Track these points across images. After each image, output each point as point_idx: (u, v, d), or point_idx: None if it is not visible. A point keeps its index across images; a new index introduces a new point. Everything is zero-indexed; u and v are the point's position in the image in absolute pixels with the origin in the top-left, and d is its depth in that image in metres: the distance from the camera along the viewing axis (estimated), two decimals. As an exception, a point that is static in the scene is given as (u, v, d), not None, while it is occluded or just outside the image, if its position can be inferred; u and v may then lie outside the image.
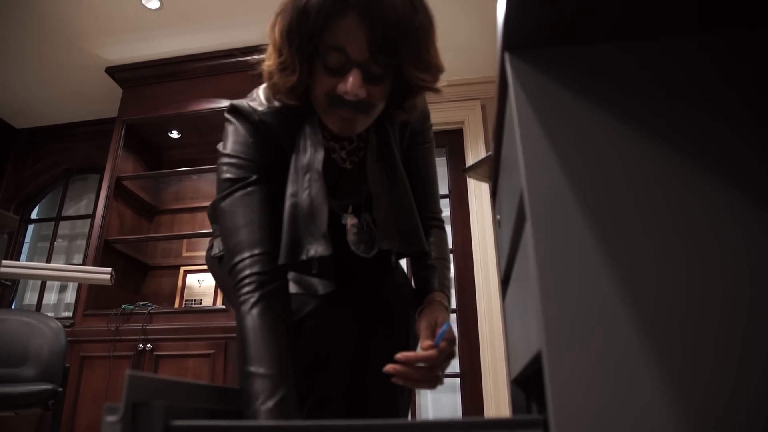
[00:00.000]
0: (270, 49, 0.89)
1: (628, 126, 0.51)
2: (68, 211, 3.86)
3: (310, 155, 0.93)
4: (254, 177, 0.92)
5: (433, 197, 1.14)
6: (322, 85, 0.87)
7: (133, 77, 3.31)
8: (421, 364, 0.86)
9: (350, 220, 1.01)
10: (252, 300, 0.85)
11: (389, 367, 0.84)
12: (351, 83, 0.82)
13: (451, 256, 3.04)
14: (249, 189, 0.91)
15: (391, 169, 1.00)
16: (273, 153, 0.95)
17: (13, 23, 2.95)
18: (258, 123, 0.93)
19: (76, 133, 3.86)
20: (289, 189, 0.92)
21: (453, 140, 3.21)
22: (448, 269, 1.10)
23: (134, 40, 3.12)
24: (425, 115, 1.12)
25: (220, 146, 0.96)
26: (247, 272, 0.86)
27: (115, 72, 3.32)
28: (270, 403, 0.76)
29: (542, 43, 0.57)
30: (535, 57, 0.56)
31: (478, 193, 3.02)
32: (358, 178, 1.02)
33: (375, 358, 1.01)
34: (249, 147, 0.93)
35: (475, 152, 3.08)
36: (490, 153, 0.78)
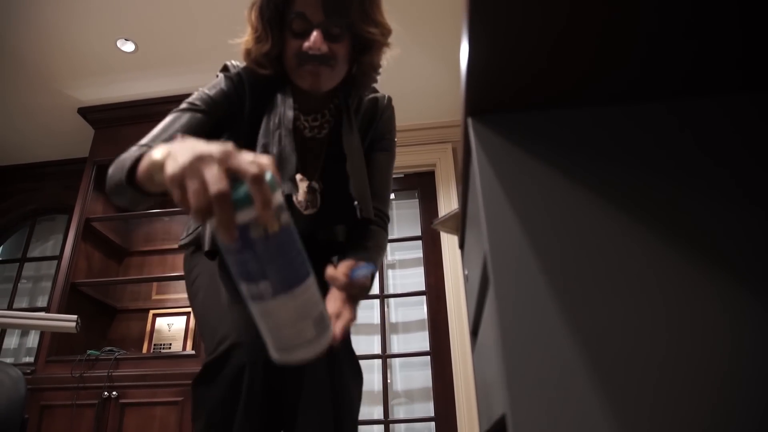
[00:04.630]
0: (248, 31, 1.08)
1: (588, 190, 0.52)
2: (34, 252, 3.77)
3: (281, 115, 1.07)
4: (206, 110, 1.05)
5: (383, 198, 1.23)
6: (291, 48, 1.04)
7: (105, 118, 3.29)
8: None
9: (299, 177, 1.12)
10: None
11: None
12: (313, 39, 1.01)
13: (425, 297, 3.04)
14: (194, 114, 1.05)
15: (354, 146, 1.14)
16: (233, 108, 1.09)
17: (-16, 64, 2.94)
18: (234, 75, 1.10)
19: (45, 172, 3.80)
20: (260, 140, 1.06)
21: (425, 182, 3.25)
22: (381, 257, 1.18)
23: (108, 81, 3.11)
24: (390, 127, 1.25)
25: None
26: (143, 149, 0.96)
27: (88, 113, 3.30)
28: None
29: (504, 109, 0.59)
30: (497, 122, 0.58)
31: (450, 234, 3.04)
32: (316, 148, 1.16)
33: None
34: (218, 94, 1.08)
35: (447, 194, 3.12)
36: (456, 209, 0.80)
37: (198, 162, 0.56)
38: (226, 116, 1.08)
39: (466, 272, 0.81)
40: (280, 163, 1.03)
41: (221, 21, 2.64)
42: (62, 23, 2.71)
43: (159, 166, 0.67)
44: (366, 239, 1.15)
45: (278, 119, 1.07)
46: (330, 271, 0.90)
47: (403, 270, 3.23)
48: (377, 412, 2.87)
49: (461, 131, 0.64)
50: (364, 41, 1.08)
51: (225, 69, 1.14)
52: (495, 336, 0.48)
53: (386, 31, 1.09)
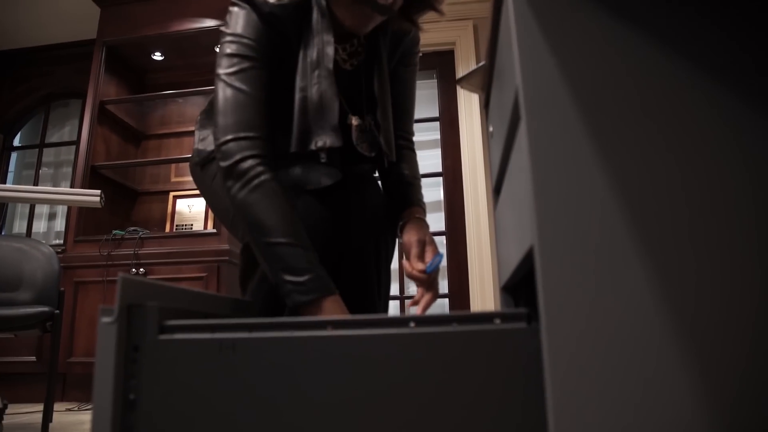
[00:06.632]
0: None
1: (628, 26, 0.49)
2: (51, 138, 3.79)
3: (320, 51, 0.96)
4: (261, 59, 0.94)
5: (410, 117, 1.21)
6: None
7: (111, -5, 3.17)
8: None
9: (355, 120, 1.05)
10: (264, 177, 0.88)
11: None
12: None
13: (441, 178, 3.04)
14: (255, 70, 0.93)
15: (384, 79, 1.07)
16: (279, 44, 0.97)
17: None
18: (267, 15, 0.94)
19: (54, 55, 3.72)
20: (299, 83, 0.96)
21: (444, 62, 3.13)
22: (421, 189, 1.18)
23: (109, -46, 2.96)
24: (416, 40, 1.18)
25: (224, 28, 0.96)
26: (248, 153, 0.88)
27: (91, -11, 3.17)
28: (313, 275, 0.85)
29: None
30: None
31: (468, 115, 2.98)
32: (356, 80, 1.07)
33: (345, 272, 1.04)
34: (258, 31, 0.94)
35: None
36: (482, 63, 0.76)
37: None
38: (276, 57, 0.97)
39: (491, 129, 0.79)
40: (321, 112, 0.95)
41: None
42: None
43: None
44: (403, 174, 1.16)
45: (316, 55, 0.96)
46: (408, 271, 1.00)
47: (420, 151, 3.20)
48: (393, 289, 2.98)
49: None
50: (422, 5, 1.01)
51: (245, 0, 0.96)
52: (525, 166, 0.47)
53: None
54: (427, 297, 1.00)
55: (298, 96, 0.95)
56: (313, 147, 0.94)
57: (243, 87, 0.91)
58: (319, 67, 0.95)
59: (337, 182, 1.02)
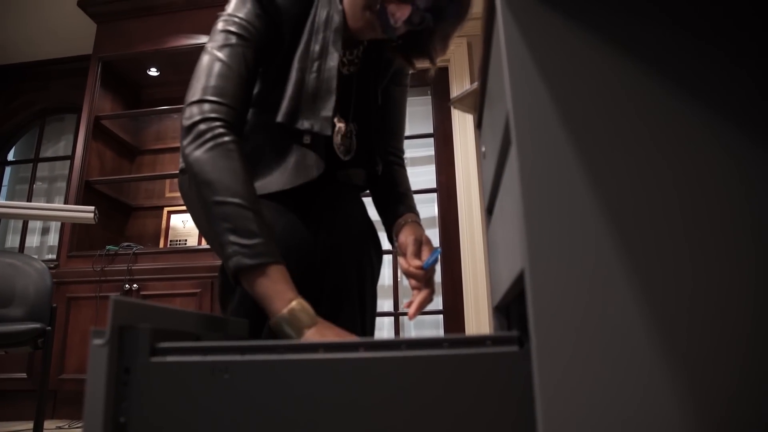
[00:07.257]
0: None
1: (618, 50, 0.50)
2: (46, 152, 3.78)
3: (324, 47, 0.97)
4: (250, 41, 0.94)
5: (401, 135, 1.24)
6: None
7: (107, 11, 3.18)
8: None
9: (339, 123, 1.07)
10: (223, 139, 0.85)
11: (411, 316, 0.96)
12: (401, 15, 0.91)
13: (435, 194, 3.05)
14: (241, 48, 0.92)
15: (377, 89, 1.11)
16: (273, 38, 0.97)
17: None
18: (267, 3, 0.94)
19: (50, 71, 3.73)
20: (297, 63, 0.96)
21: (438, 79, 3.16)
22: (413, 200, 1.20)
23: (106, -29, 2.98)
24: None
25: (221, 12, 0.97)
26: (211, 115, 0.86)
27: (88, 5, 3.18)
28: (262, 239, 0.81)
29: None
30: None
31: (463, 132, 3.00)
32: (348, 86, 1.09)
33: (326, 293, 1.01)
34: (254, 16, 0.95)
35: (461, 91, 3.04)
36: (476, 84, 0.77)
37: None
38: (266, 45, 0.97)
39: (483, 149, 0.80)
40: (315, 100, 0.96)
41: None
42: None
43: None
44: (396, 185, 1.19)
45: (320, 49, 0.97)
46: (404, 268, 1.00)
47: (414, 168, 3.22)
48: (387, 305, 2.97)
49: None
50: (424, 50, 1.00)
51: None
52: (515, 192, 0.48)
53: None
54: (423, 294, 0.98)
55: (295, 75, 0.96)
56: (299, 126, 0.95)
57: (224, 59, 0.90)
58: (320, 59, 0.96)
59: (317, 197, 1.04)
